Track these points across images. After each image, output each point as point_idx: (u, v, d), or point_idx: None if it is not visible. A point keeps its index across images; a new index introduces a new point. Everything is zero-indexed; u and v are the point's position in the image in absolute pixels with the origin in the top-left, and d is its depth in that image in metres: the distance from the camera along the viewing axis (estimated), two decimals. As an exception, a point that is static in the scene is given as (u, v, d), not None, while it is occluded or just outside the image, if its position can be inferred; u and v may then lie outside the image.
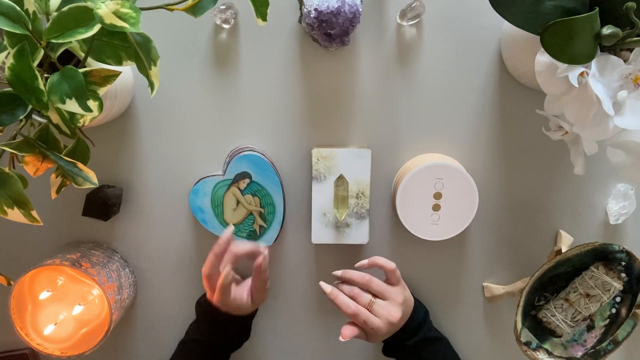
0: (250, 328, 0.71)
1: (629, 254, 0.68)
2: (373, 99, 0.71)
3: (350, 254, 0.75)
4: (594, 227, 0.75)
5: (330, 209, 0.69)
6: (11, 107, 0.48)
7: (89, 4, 0.44)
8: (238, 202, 0.70)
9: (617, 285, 0.68)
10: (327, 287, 0.66)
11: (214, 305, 0.65)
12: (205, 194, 0.70)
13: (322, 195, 0.69)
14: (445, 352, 0.71)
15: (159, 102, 0.71)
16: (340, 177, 0.69)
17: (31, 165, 0.50)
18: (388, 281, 0.67)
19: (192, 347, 0.70)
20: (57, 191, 0.53)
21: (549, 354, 0.69)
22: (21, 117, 0.48)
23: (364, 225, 0.70)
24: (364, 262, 0.67)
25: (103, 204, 0.70)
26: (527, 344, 0.69)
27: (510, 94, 0.71)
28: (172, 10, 0.48)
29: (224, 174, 0.69)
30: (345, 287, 0.67)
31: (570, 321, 0.70)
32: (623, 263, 0.68)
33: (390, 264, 0.66)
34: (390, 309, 0.65)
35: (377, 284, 0.66)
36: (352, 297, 0.66)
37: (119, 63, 0.50)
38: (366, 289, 0.66)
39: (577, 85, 0.51)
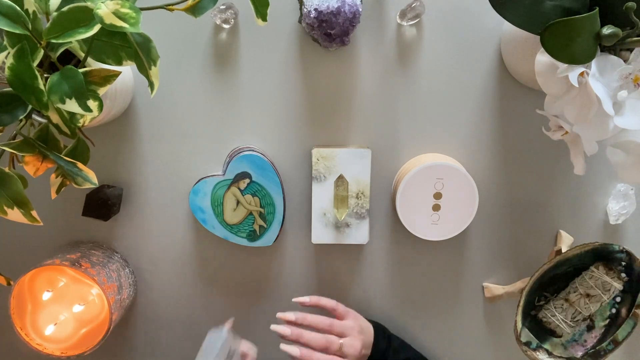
0: None
1: (629, 254, 0.68)
2: (373, 99, 0.71)
3: (350, 254, 0.75)
4: (594, 227, 0.75)
5: (330, 209, 0.69)
6: (11, 107, 0.48)
7: (89, 4, 0.44)
8: (238, 202, 0.70)
9: (617, 285, 0.68)
10: (294, 351, 0.62)
11: None
12: (205, 194, 0.70)
13: (322, 195, 0.69)
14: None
15: (159, 102, 0.71)
16: (340, 177, 0.69)
17: (31, 165, 0.50)
18: (337, 318, 0.67)
19: None
20: (57, 191, 0.53)
21: (549, 354, 0.69)
22: (21, 117, 0.48)
23: (364, 225, 0.70)
24: (305, 299, 0.66)
25: (103, 204, 0.70)
26: (527, 344, 0.69)
27: (510, 94, 0.71)
28: (172, 10, 0.48)
29: (224, 174, 0.69)
30: (310, 337, 0.63)
31: (570, 321, 0.70)
32: (623, 263, 0.68)
33: (330, 302, 0.66)
34: (354, 344, 0.64)
35: (338, 325, 0.65)
36: (323, 348, 0.63)
37: (119, 63, 0.50)
38: (327, 331, 0.65)
39: (577, 85, 0.51)
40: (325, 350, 0.63)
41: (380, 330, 0.70)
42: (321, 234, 0.70)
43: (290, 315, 0.64)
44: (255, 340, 0.78)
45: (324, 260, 0.75)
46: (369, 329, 0.68)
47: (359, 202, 0.69)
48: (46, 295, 0.66)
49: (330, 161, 0.68)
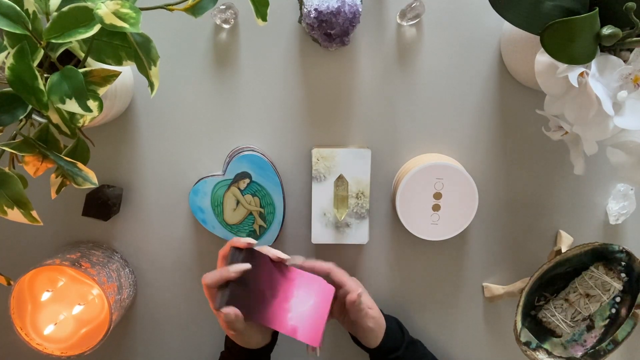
0: None
1: (628, 254, 0.68)
2: (373, 99, 0.71)
3: (350, 254, 0.75)
4: (594, 227, 0.75)
5: (330, 209, 0.69)
6: (11, 107, 0.48)
7: (89, 4, 0.44)
8: (238, 202, 0.70)
9: (617, 286, 0.68)
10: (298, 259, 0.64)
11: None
12: (205, 194, 0.70)
13: (322, 195, 0.69)
14: (426, 351, 0.72)
15: (159, 102, 0.71)
16: (340, 177, 0.69)
17: (31, 165, 0.50)
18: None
19: None
20: (57, 191, 0.53)
21: (549, 354, 0.69)
22: (21, 117, 0.48)
23: (363, 225, 0.70)
24: (300, 260, 0.64)
25: (103, 204, 0.70)
26: (527, 344, 0.69)
27: (510, 94, 0.71)
28: (172, 10, 0.48)
29: (223, 174, 0.69)
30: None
31: (570, 321, 0.70)
32: (623, 263, 0.68)
33: (325, 265, 0.65)
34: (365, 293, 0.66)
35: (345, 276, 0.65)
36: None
37: (119, 63, 0.50)
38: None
39: (577, 86, 0.51)
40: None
41: (394, 320, 0.70)
42: (321, 234, 0.70)
43: (298, 260, 0.65)
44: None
45: (324, 261, 0.75)
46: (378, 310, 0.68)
47: (359, 202, 0.69)
48: (46, 295, 0.66)
49: (330, 161, 0.68)
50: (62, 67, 0.46)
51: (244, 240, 0.60)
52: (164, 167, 0.73)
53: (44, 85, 0.45)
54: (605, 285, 0.69)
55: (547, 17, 0.51)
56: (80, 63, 0.49)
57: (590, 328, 0.70)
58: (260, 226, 0.71)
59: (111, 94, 0.61)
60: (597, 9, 0.50)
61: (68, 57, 0.54)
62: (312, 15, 0.63)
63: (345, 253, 0.75)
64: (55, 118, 0.49)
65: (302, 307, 0.61)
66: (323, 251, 0.75)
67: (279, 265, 0.63)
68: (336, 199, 0.70)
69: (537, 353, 0.69)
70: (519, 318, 0.69)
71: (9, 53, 0.44)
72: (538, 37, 0.50)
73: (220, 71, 0.71)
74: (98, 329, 0.67)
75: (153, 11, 0.48)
